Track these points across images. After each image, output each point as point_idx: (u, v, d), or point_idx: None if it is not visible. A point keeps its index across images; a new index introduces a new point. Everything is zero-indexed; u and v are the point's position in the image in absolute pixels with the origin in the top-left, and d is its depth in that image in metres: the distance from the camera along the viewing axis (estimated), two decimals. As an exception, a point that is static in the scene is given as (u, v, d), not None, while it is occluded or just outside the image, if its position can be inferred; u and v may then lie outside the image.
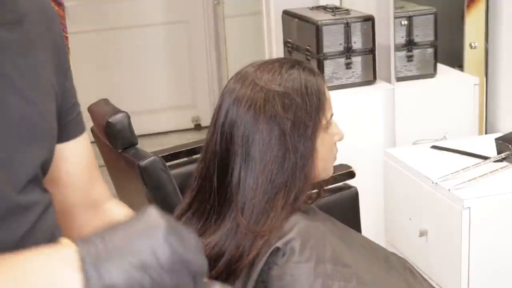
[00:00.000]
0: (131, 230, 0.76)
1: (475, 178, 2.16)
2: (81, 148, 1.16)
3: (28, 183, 0.98)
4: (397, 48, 2.78)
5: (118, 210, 1.21)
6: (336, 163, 1.51)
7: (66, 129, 1.12)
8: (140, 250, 0.74)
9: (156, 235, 0.75)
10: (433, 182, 2.19)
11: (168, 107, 5.01)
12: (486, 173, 2.19)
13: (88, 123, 2.22)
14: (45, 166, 1.03)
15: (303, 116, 1.37)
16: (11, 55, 0.98)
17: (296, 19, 2.94)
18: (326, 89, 1.43)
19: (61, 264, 0.74)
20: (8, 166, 0.94)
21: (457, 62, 2.90)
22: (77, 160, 1.16)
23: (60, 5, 3.78)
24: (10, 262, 0.76)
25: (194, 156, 2.58)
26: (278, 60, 1.44)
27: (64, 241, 0.77)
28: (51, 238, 1.04)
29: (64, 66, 1.11)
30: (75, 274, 0.73)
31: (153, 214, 0.78)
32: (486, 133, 2.72)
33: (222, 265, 1.34)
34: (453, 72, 2.91)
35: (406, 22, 2.78)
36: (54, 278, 0.73)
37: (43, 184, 1.05)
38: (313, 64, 2.71)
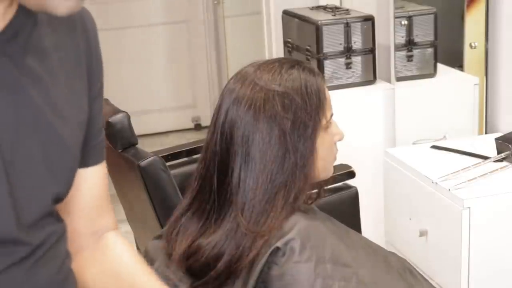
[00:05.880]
0: None
1: (475, 178, 2.16)
2: (97, 177, 1.14)
3: (42, 219, 0.97)
4: (397, 48, 2.78)
5: (117, 243, 1.19)
6: (336, 163, 1.51)
7: (86, 155, 1.09)
8: None
9: None
10: (433, 182, 2.19)
11: (168, 107, 5.02)
12: (486, 173, 2.19)
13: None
14: (59, 198, 1.02)
15: (303, 116, 1.37)
16: (45, 87, 0.95)
17: (296, 19, 2.94)
18: (326, 89, 1.43)
19: None
20: (24, 205, 0.93)
21: (457, 62, 2.89)
22: (90, 188, 1.13)
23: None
24: None
25: (194, 156, 2.58)
26: (278, 60, 1.44)
27: None
28: (61, 266, 1.04)
29: (95, 89, 1.07)
30: None
31: None
32: (486, 133, 2.71)
33: (222, 265, 1.34)
34: (453, 72, 2.91)
35: (406, 22, 2.78)
36: None
37: (56, 213, 1.04)
38: (313, 64, 2.71)
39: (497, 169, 2.23)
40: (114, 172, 2.51)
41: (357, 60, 2.79)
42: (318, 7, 3.03)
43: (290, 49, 2.99)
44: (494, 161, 2.28)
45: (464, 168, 2.23)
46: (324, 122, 1.41)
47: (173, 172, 2.26)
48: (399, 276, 1.46)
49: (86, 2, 0.93)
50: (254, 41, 3.93)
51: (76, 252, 1.13)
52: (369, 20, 2.79)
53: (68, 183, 1.02)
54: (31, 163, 0.94)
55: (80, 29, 1.03)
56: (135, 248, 2.48)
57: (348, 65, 2.78)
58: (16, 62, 0.92)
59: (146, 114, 4.82)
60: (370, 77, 2.82)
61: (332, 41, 2.76)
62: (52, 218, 1.02)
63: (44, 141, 0.95)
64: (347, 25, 2.77)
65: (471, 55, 2.78)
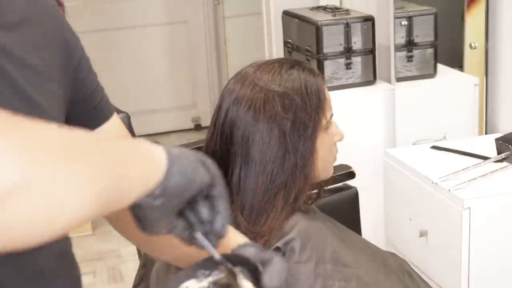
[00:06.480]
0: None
1: (475, 178, 2.16)
2: (113, 132, 1.14)
3: None
4: (397, 48, 2.78)
5: None
6: (336, 163, 1.51)
7: (89, 119, 1.10)
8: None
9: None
10: (433, 182, 2.19)
11: (168, 107, 5.02)
12: (486, 173, 2.19)
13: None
14: None
15: (303, 116, 1.37)
16: (16, 60, 0.96)
17: (296, 19, 2.94)
18: (326, 89, 1.43)
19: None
20: None
21: (457, 62, 2.89)
22: None
23: (60, 5, 3.78)
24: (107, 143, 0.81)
25: (194, 156, 2.57)
26: (278, 60, 1.44)
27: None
28: (65, 248, 1.04)
29: (73, 60, 1.07)
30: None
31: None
32: (486, 133, 2.72)
33: (222, 265, 1.33)
34: (453, 72, 2.91)
35: (406, 22, 2.78)
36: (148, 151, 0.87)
37: None
38: (313, 64, 2.71)
39: (497, 170, 2.23)
40: (114, 172, 2.51)
41: (357, 60, 2.79)
42: (318, 8, 3.03)
43: (290, 50, 2.99)
44: (494, 162, 2.28)
45: (464, 169, 2.23)
46: (324, 122, 1.41)
47: (173, 172, 2.26)
48: (397, 279, 1.46)
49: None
50: (254, 42, 3.93)
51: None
52: (369, 20, 2.79)
53: None
54: None
55: (39, 5, 1.04)
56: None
57: (348, 66, 2.78)
58: None
59: (146, 114, 4.82)
60: (370, 78, 2.82)
61: (332, 41, 2.77)
62: None
63: (25, 111, 0.95)
64: (347, 26, 2.77)
65: (471, 55, 2.78)
